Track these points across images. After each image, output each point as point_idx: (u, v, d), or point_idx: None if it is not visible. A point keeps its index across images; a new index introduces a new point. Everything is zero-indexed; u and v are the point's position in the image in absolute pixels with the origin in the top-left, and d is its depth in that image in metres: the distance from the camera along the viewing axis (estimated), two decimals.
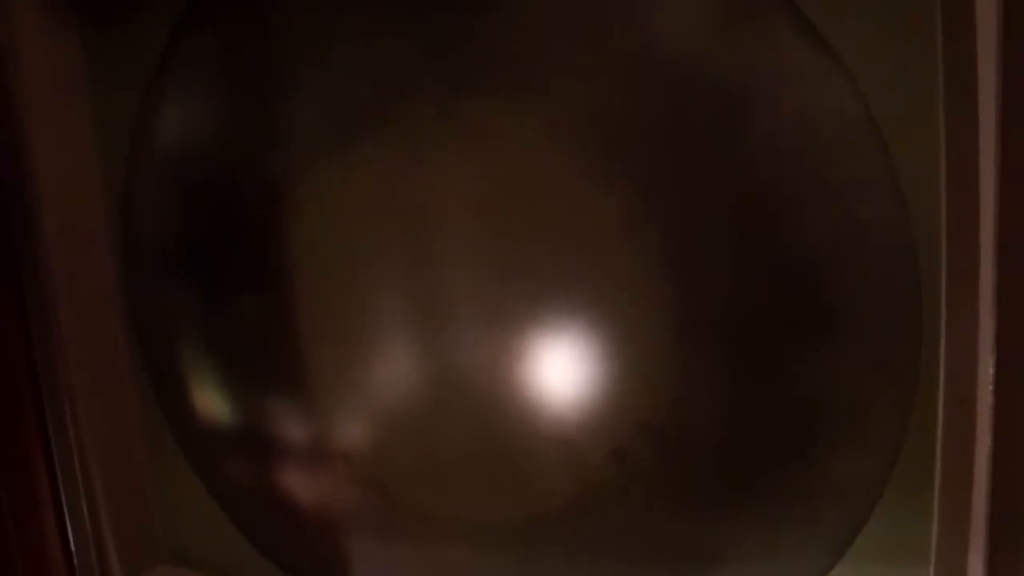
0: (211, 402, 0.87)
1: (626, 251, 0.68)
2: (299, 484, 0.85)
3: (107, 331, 0.88)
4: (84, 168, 0.85)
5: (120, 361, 0.89)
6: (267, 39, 0.76)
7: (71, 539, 0.90)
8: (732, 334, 0.67)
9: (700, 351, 0.68)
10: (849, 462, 0.67)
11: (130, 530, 0.91)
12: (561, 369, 0.72)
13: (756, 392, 0.68)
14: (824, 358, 0.65)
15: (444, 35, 0.69)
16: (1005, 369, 0.56)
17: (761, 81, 0.63)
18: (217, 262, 0.83)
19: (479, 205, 0.72)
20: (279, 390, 0.83)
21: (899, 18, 0.58)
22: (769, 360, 0.67)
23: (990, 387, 0.57)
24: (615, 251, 0.68)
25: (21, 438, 0.86)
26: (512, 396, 0.73)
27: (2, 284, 0.83)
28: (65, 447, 0.86)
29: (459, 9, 0.68)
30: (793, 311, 0.65)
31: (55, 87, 0.82)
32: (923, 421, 0.63)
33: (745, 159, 0.64)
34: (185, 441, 0.90)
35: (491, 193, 0.71)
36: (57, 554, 0.89)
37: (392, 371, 0.78)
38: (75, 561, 0.90)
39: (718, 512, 0.72)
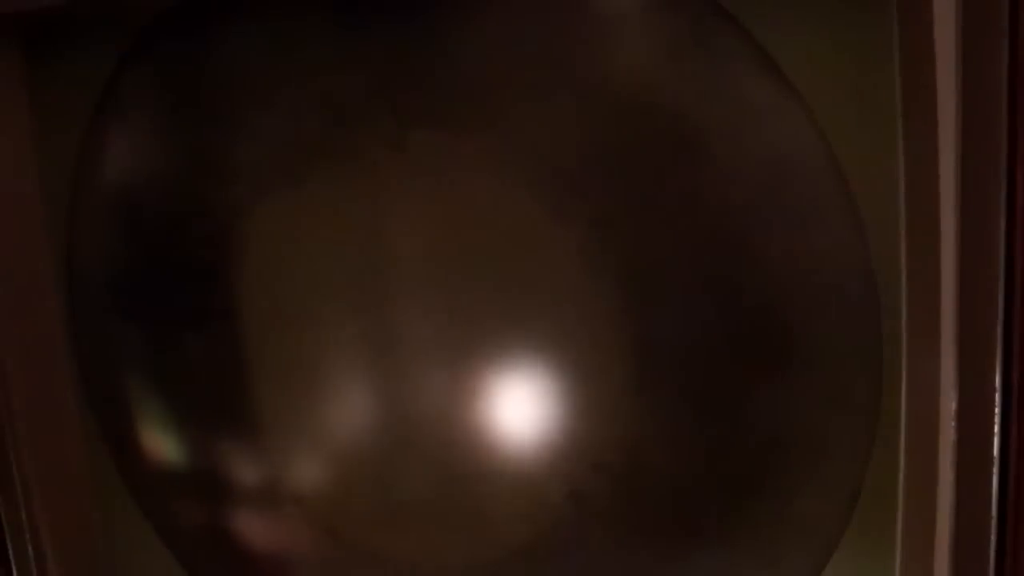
0: (161, 445, 0.85)
1: (583, 287, 0.67)
2: (251, 528, 0.83)
3: (53, 375, 0.85)
4: (27, 205, 0.82)
5: (67, 405, 0.86)
6: (213, 75, 0.74)
7: None
8: (690, 371, 0.66)
9: (658, 389, 0.67)
10: (810, 500, 0.67)
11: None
12: (518, 409, 0.71)
13: (715, 430, 0.67)
14: (784, 395, 0.65)
15: (392, 68, 0.68)
16: (968, 405, 0.56)
17: (717, 113, 0.62)
18: (165, 301, 0.80)
19: (432, 241, 0.70)
20: (229, 432, 0.81)
21: (856, 47, 0.58)
22: (728, 397, 0.66)
23: (952, 423, 0.56)
24: (571, 288, 0.67)
25: None
26: (468, 437, 0.72)
27: None
28: (11, 495, 0.84)
29: (407, 42, 0.67)
30: (752, 347, 0.64)
31: None
32: (885, 458, 0.62)
33: (702, 193, 0.63)
34: (134, 485, 0.87)
35: (445, 228, 0.70)
36: None
37: (345, 412, 0.76)
38: None
39: (678, 552, 0.71)
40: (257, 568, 0.84)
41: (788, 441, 0.65)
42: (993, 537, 0.56)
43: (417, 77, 0.68)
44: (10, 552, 0.86)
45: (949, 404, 0.56)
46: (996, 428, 0.55)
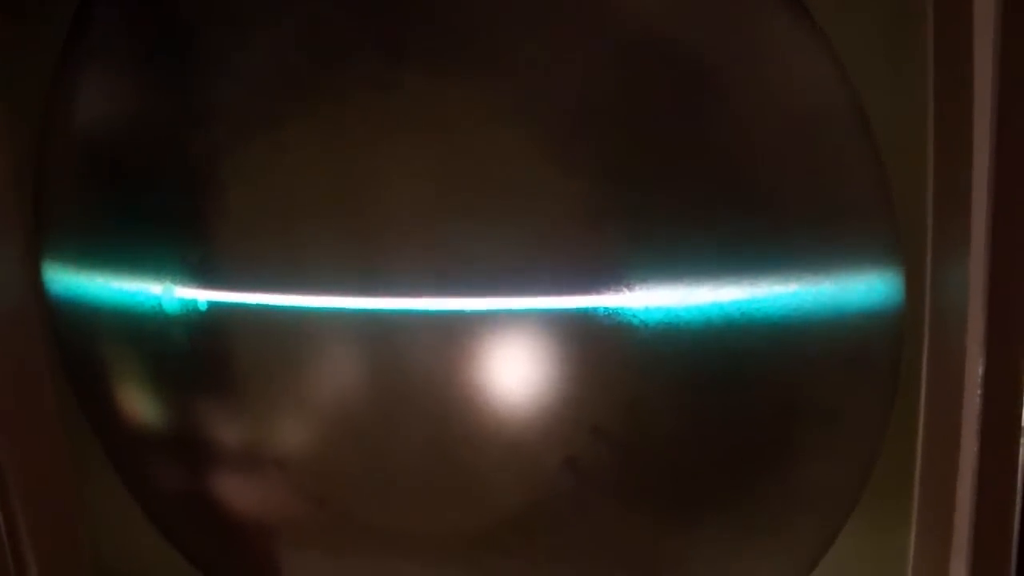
0: (138, 407, 0.82)
1: (586, 241, 0.63)
2: (233, 495, 0.81)
3: (25, 341, 0.82)
4: None
5: (41, 371, 0.84)
6: (187, 9, 0.70)
7: None
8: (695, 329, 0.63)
9: (660, 349, 0.64)
10: (821, 467, 0.64)
11: (52, 544, 0.85)
12: (513, 370, 0.68)
13: (723, 392, 0.64)
14: (798, 354, 0.62)
15: (382, 2, 0.64)
16: (996, 370, 0.53)
17: (737, 54, 0.59)
18: (141, 253, 0.77)
19: (424, 190, 0.67)
20: (211, 395, 0.78)
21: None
22: (738, 357, 0.63)
23: (979, 390, 0.53)
24: (574, 242, 0.64)
25: None
26: (461, 399, 0.69)
27: None
28: None
29: None
30: (766, 305, 0.61)
31: None
32: (903, 426, 0.60)
33: (717, 141, 0.60)
34: (111, 449, 0.85)
35: (437, 177, 0.66)
36: None
37: (330, 371, 0.74)
38: None
39: (680, 522, 0.69)
40: (241, 536, 0.82)
41: (799, 405, 0.63)
42: (1017, 510, 0.54)
43: (409, 12, 0.64)
44: None
45: (976, 369, 0.53)
46: None
